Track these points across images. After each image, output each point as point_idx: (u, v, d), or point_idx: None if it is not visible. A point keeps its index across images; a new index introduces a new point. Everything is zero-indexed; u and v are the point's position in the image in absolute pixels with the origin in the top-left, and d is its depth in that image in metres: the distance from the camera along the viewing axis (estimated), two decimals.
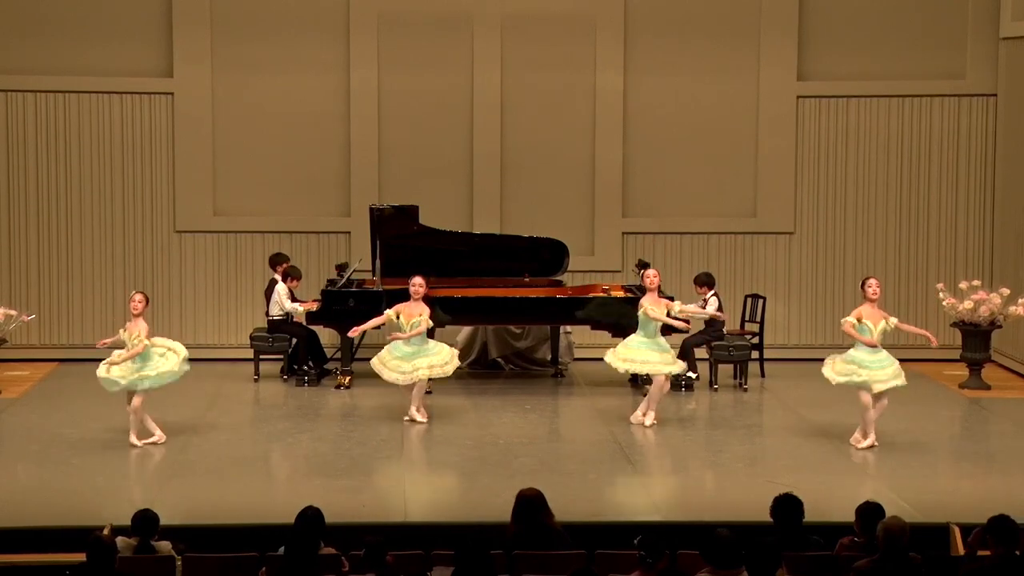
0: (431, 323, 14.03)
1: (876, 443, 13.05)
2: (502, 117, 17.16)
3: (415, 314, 13.91)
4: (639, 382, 15.26)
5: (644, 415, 13.98)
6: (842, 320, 13.32)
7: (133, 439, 12.98)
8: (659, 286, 14.09)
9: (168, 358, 13.14)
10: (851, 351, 13.14)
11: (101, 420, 13.67)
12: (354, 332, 14.49)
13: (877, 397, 13.01)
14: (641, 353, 13.83)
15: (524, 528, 9.32)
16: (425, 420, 13.96)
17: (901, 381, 12.99)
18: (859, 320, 13.08)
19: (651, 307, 13.81)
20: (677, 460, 13.03)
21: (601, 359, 14.23)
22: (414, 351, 13.88)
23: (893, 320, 13.14)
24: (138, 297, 13.11)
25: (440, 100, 17.15)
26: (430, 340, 14.09)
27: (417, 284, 14.04)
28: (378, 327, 14.43)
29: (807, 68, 17.24)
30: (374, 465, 12.67)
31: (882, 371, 12.96)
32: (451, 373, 14.12)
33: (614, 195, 17.29)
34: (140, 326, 12.98)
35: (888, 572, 8.29)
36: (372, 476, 12.41)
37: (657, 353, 13.84)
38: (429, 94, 17.13)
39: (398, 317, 13.93)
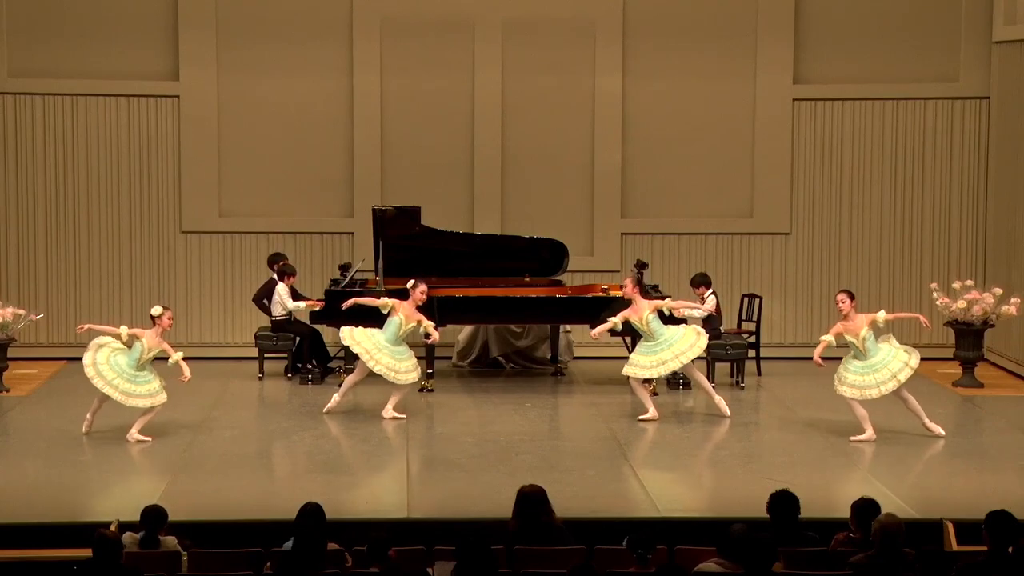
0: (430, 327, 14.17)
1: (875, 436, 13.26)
2: (503, 119, 17.25)
3: (414, 320, 14.04)
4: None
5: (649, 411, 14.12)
6: (821, 338, 13.51)
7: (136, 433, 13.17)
8: (640, 291, 14.13)
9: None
10: (846, 368, 13.29)
11: (108, 417, 13.68)
12: (347, 304, 14.40)
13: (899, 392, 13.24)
14: (661, 354, 13.90)
15: (525, 524, 9.38)
16: (398, 417, 14.12)
17: (904, 376, 13.16)
18: (838, 336, 13.26)
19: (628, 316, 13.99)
20: (675, 457, 13.07)
21: (600, 358, 14.27)
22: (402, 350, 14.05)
23: (881, 315, 13.21)
24: (169, 314, 13.22)
25: (442, 103, 17.24)
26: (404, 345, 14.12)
27: (421, 292, 14.12)
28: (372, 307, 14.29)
29: (803, 71, 17.34)
30: (377, 462, 12.76)
31: (878, 374, 13.16)
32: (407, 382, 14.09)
33: (613, 196, 17.40)
34: (163, 344, 13.14)
35: (884, 568, 8.39)
36: (375, 473, 12.51)
37: (668, 348, 13.91)
38: (431, 97, 17.22)
39: (391, 312, 14.03)
